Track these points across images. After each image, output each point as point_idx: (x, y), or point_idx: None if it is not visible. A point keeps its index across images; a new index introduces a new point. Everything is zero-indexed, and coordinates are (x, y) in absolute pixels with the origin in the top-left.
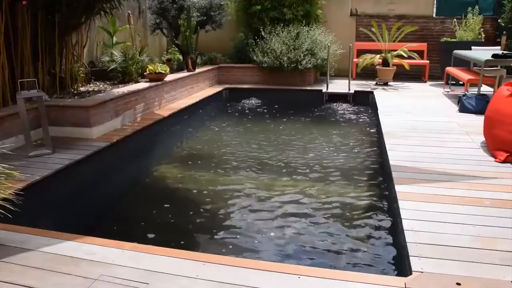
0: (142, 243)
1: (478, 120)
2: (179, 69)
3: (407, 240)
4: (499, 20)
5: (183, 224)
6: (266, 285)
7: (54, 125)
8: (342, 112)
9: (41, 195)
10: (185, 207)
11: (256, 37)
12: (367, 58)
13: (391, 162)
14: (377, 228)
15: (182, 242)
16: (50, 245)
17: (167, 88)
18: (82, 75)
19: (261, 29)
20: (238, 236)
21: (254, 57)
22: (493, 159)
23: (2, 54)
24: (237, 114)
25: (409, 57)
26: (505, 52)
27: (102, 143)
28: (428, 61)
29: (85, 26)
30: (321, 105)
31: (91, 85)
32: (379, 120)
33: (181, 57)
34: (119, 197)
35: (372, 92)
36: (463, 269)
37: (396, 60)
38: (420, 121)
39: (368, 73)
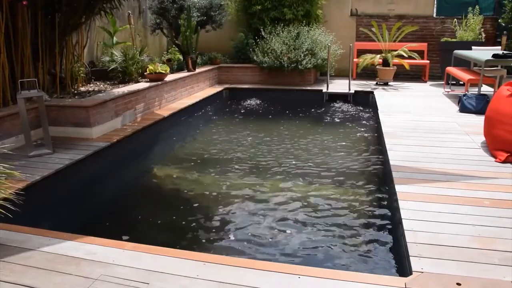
0: (142, 243)
1: (478, 120)
2: (179, 69)
3: (407, 240)
4: (499, 20)
5: (181, 224)
6: (266, 285)
7: (54, 125)
8: (342, 112)
9: (41, 195)
10: (184, 207)
11: (256, 37)
12: (367, 58)
13: (391, 162)
14: (378, 227)
15: (181, 242)
16: (51, 245)
17: (167, 88)
18: (82, 75)
19: (261, 29)
20: (238, 237)
21: (254, 57)
22: (493, 159)
23: (2, 54)
24: (237, 114)
25: (409, 57)
26: (505, 52)
27: (102, 143)
28: (428, 61)
29: (85, 26)
30: (321, 105)
31: (91, 85)
32: (379, 120)
33: (181, 57)
34: (119, 197)
35: (372, 92)
36: (463, 269)
37: (396, 60)
38: (420, 121)
39: (368, 73)
